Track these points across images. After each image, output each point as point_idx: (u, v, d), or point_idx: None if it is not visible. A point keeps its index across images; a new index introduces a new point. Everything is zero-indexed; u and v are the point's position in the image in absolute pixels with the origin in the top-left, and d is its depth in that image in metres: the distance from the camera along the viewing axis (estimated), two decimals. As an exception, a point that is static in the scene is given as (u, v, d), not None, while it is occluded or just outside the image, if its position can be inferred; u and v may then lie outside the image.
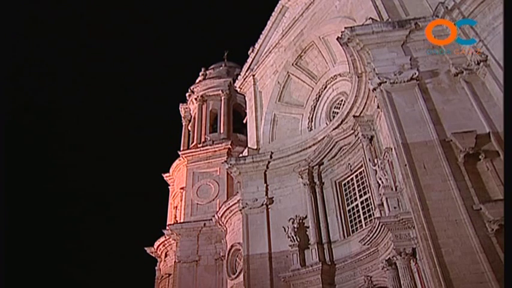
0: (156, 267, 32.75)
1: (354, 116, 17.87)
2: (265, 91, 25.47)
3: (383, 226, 13.88)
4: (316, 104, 23.35)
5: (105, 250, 69.34)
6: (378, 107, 15.75)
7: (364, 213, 17.83)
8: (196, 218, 28.97)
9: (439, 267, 10.85)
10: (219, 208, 26.12)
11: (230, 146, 31.70)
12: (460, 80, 14.02)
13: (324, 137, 20.16)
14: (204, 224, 27.86)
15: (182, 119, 39.70)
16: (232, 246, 23.60)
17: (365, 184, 18.10)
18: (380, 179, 15.07)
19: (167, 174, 35.89)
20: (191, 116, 38.46)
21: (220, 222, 25.60)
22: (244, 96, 28.65)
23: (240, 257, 22.17)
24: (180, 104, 39.97)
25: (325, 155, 19.97)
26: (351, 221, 18.40)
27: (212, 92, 37.22)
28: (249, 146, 24.41)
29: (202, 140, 34.36)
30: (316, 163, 20.23)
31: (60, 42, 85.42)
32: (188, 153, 32.84)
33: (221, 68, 39.74)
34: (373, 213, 16.66)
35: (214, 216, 26.38)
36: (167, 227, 29.88)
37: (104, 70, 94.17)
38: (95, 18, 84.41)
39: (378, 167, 15.36)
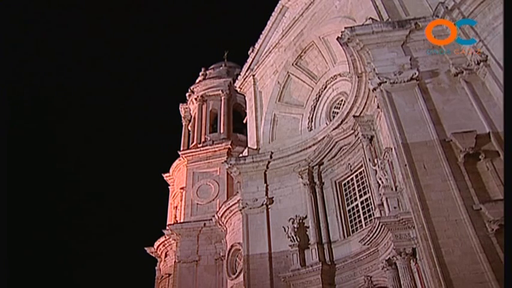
0: (156, 267, 32.75)
1: (354, 116, 17.87)
2: (265, 91, 25.47)
3: (383, 226, 13.88)
4: (316, 104, 23.35)
5: (105, 250, 69.34)
6: (378, 107, 15.75)
7: (364, 213, 17.83)
8: (196, 218, 28.97)
9: (439, 267, 10.86)
10: (219, 208, 26.12)
11: (230, 146, 31.70)
12: (460, 80, 14.03)
13: (324, 137, 20.16)
14: (204, 224, 27.86)
15: (182, 119, 39.71)
16: (232, 246, 23.60)
17: (365, 184, 18.09)
18: (380, 179, 15.07)
19: (167, 174, 35.89)
20: (191, 116, 38.47)
21: (220, 222, 25.60)
22: (244, 96, 28.66)
23: (240, 257, 22.17)
24: (180, 104, 39.99)
25: (325, 155, 19.97)
26: (351, 221, 18.40)
27: (212, 92, 37.22)
28: (249, 146, 24.41)
29: (202, 140, 34.37)
30: (316, 163, 20.23)
31: (60, 42, 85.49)
32: (188, 153, 32.84)
33: (221, 68, 39.75)
34: (373, 213, 16.66)
35: (214, 216, 26.38)
36: (167, 227, 29.89)
37: (104, 70, 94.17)
38: (95, 18, 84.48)
39: (378, 167, 15.36)
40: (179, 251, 27.76)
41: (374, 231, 14.49)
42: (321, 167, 20.26)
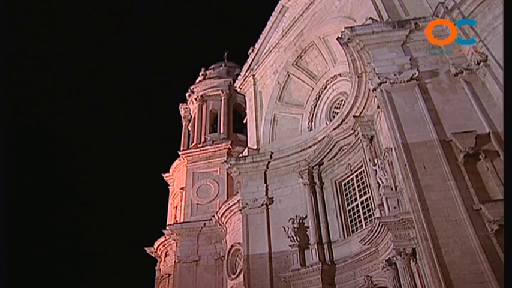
0: (156, 267, 32.76)
1: (354, 116, 17.87)
2: (265, 91, 25.47)
3: (383, 226, 13.88)
4: (316, 104, 23.35)
5: (105, 250, 69.36)
6: (378, 107, 15.74)
7: (364, 213, 17.83)
8: (196, 218, 28.98)
9: (439, 267, 10.85)
10: (219, 208, 26.12)
11: (230, 146, 31.71)
12: (460, 80, 14.02)
13: (324, 137, 20.16)
14: (204, 224, 27.86)
15: (182, 119, 39.73)
16: (232, 246, 23.60)
17: (365, 184, 18.09)
18: (380, 179, 15.07)
19: (167, 174, 35.90)
20: (191, 116, 38.48)
21: (220, 222, 25.60)
22: (244, 96, 28.66)
23: (240, 257, 22.17)
24: (180, 104, 40.01)
25: (325, 155, 19.97)
26: (351, 221, 18.40)
27: (212, 92, 37.23)
28: (249, 146, 24.40)
29: (202, 140, 34.38)
30: (316, 163, 20.23)
31: (60, 42, 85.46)
32: (188, 153, 32.85)
33: (221, 68, 39.75)
34: (373, 213, 16.66)
35: (214, 216, 26.38)
36: (167, 227, 29.89)
37: (104, 70, 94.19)
38: (96, 18, 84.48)
39: (378, 167, 15.35)
40: (179, 251, 27.76)
41: (374, 231, 14.49)
42: (321, 167, 20.26)
